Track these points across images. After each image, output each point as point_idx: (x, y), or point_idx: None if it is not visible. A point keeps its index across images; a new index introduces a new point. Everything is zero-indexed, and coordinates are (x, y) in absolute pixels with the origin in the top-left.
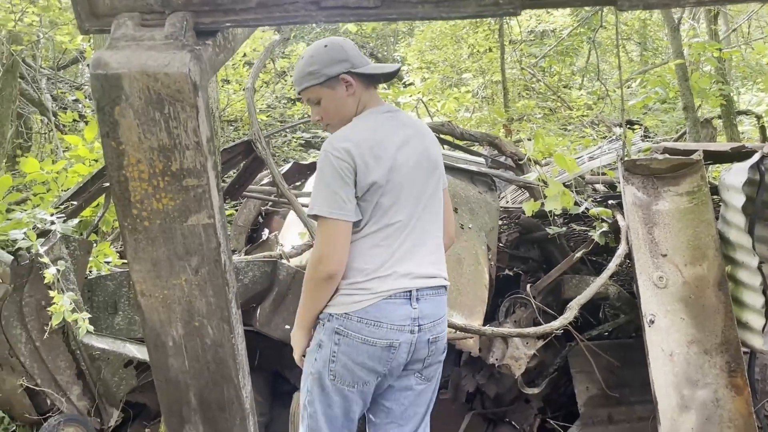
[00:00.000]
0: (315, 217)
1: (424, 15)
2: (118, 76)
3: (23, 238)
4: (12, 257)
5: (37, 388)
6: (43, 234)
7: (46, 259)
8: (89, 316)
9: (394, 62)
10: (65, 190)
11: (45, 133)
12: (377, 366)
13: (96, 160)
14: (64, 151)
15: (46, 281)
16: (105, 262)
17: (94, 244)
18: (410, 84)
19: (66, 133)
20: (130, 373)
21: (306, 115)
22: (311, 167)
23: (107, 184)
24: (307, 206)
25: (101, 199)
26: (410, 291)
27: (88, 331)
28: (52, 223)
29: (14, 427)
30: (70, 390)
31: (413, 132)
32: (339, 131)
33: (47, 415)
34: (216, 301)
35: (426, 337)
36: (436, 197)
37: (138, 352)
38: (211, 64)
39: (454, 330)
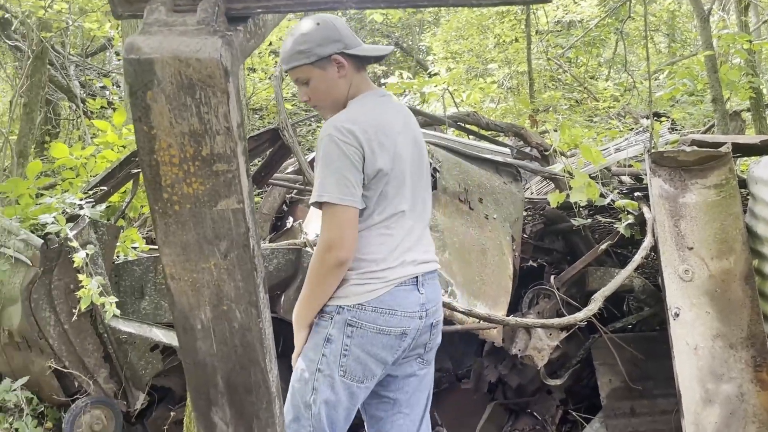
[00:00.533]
0: (319, 205)
1: (456, 2)
2: (151, 61)
3: (53, 223)
4: (42, 241)
5: (65, 370)
6: (72, 219)
7: (75, 243)
8: (117, 300)
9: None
10: (94, 176)
11: (73, 120)
12: (388, 356)
13: (124, 146)
14: (92, 137)
15: (74, 265)
16: (132, 247)
17: (122, 230)
18: (435, 74)
19: (94, 120)
20: (156, 357)
21: None
22: None
23: (135, 171)
24: None
25: (129, 185)
26: (417, 277)
27: (115, 315)
28: (81, 207)
29: (42, 408)
30: (98, 373)
31: (404, 116)
32: (340, 115)
33: (75, 396)
34: (244, 286)
35: (430, 321)
36: (427, 182)
37: (164, 336)
38: (242, 50)
39: (477, 320)
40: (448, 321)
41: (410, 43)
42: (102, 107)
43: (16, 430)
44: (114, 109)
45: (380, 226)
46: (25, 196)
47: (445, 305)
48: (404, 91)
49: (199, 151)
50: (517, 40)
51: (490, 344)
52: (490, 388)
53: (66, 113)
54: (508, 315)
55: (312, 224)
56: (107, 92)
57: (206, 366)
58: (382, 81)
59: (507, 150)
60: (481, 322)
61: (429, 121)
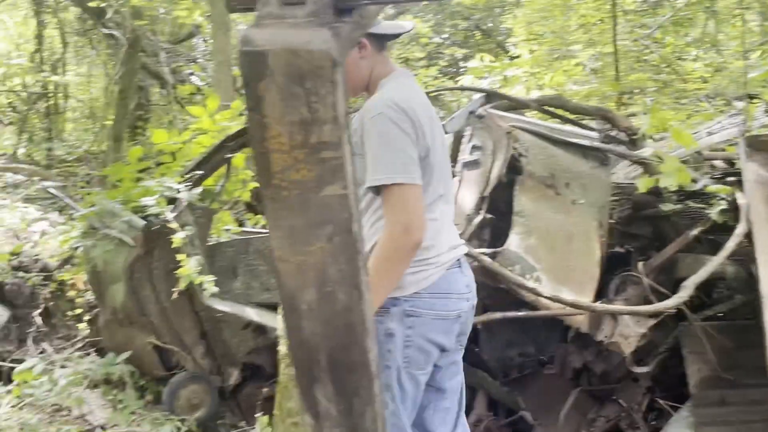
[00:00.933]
0: (376, 189)
1: None
2: (264, 53)
3: (154, 205)
4: (144, 223)
5: (165, 346)
6: (171, 202)
7: (174, 225)
8: (214, 278)
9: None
10: (189, 160)
11: (164, 105)
12: (446, 341)
13: (218, 132)
14: (182, 122)
15: (174, 246)
16: (225, 229)
17: (216, 212)
18: (516, 57)
19: (184, 105)
20: (248, 335)
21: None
22: None
23: (229, 155)
24: None
25: (223, 169)
26: (459, 260)
27: (211, 294)
28: (178, 191)
29: (143, 382)
30: (195, 349)
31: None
32: (384, 93)
33: (173, 371)
34: (347, 269)
35: (472, 303)
36: (450, 165)
37: (256, 315)
38: (349, 40)
39: (563, 306)
40: (532, 306)
41: (490, 24)
42: (191, 93)
43: (120, 401)
44: (203, 95)
45: (427, 211)
46: (127, 180)
47: (531, 290)
48: (485, 75)
49: (308, 139)
50: (602, 21)
51: (576, 330)
52: (575, 374)
53: (156, 99)
54: (594, 301)
55: None
56: (196, 78)
57: (310, 344)
58: (462, 65)
59: (594, 134)
60: (567, 308)
61: (513, 105)
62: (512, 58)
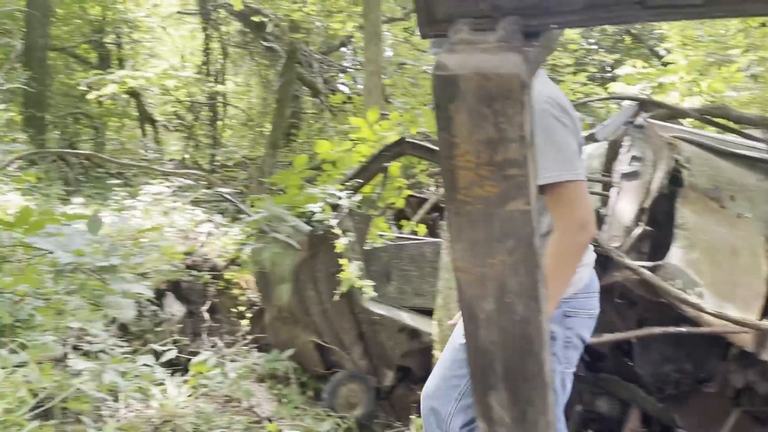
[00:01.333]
0: (542, 187)
1: (755, 11)
2: (455, 77)
3: (320, 211)
4: (309, 228)
5: (326, 345)
6: (332, 208)
7: (338, 231)
8: (373, 283)
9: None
10: (349, 168)
11: (316, 114)
12: (588, 337)
13: (376, 142)
14: (332, 130)
15: (337, 250)
16: (379, 235)
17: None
18: (669, 62)
19: (335, 114)
20: (403, 338)
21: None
22: None
23: (386, 164)
24: None
25: (380, 177)
26: None
27: (370, 298)
28: (340, 198)
29: (304, 378)
30: (353, 350)
31: None
32: (534, 90)
33: (332, 370)
34: (527, 281)
35: None
36: None
37: (410, 320)
38: (536, 63)
39: (727, 322)
40: (694, 323)
41: (640, 28)
42: (343, 102)
43: (284, 395)
44: (352, 103)
45: None
46: (292, 187)
47: (693, 306)
48: (637, 82)
49: (494, 157)
50: (764, 25)
51: (739, 349)
52: (736, 394)
53: (309, 107)
54: (760, 319)
55: None
56: (346, 87)
57: (487, 352)
58: (611, 70)
59: (761, 145)
60: (731, 325)
61: (672, 114)
62: (664, 63)
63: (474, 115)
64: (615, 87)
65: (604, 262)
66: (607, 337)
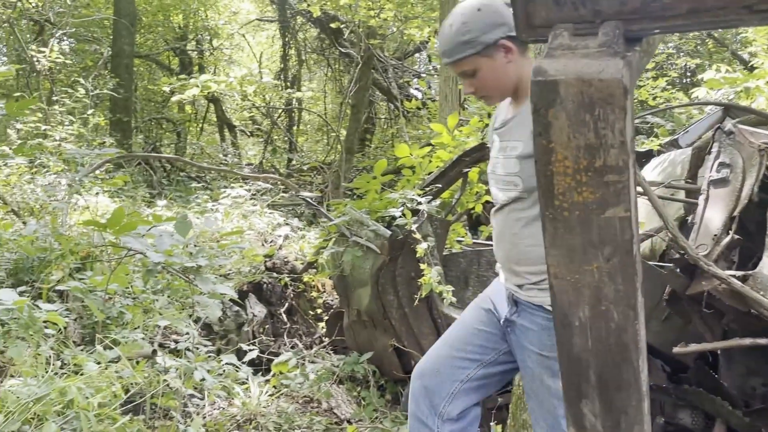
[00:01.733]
0: None
1: None
2: (555, 83)
3: (400, 216)
4: (390, 232)
5: (405, 349)
6: (411, 213)
7: (418, 236)
8: (452, 288)
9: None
10: (428, 174)
11: (390, 119)
12: None
13: (455, 147)
14: (407, 135)
15: (417, 255)
16: (457, 240)
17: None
18: (756, 68)
19: (410, 120)
20: None
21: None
22: (646, 155)
23: (466, 170)
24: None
25: (458, 183)
26: None
27: (450, 303)
28: (419, 203)
29: (382, 381)
30: None
31: None
32: None
33: (410, 373)
34: (624, 289)
35: None
36: None
37: None
38: (638, 68)
39: None
40: None
41: (722, 32)
42: (417, 107)
43: (363, 398)
44: (428, 109)
45: None
46: (371, 191)
47: None
48: (721, 86)
49: (593, 163)
50: None
51: None
52: None
53: (383, 113)
54: None
55: None
56: (421, 93)
57: (580, 360)
58: (690, 75)
59: None
60: None
61: (760, 119)
62: (750, 68)
63: (573, 120)
64: (698, 92)
65: (692, 271)
66: (694, 347)
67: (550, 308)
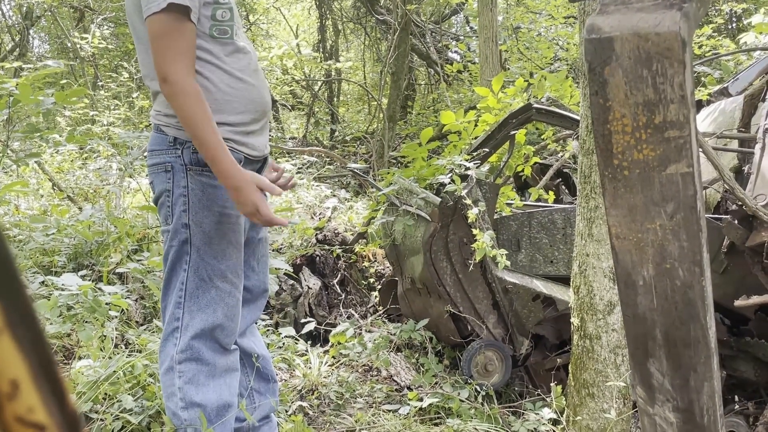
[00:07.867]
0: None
1: None
2: (610, 39)
3: (450, 182)
4: (440, 199)
5: (460, 314)
6: (461, 178)
7: (468, 201)
8: (506, 252)
9: None
10: (474, 138)
11: (431, 84)
12: None
13: (501, 110)
14: (449, 99)
15: (468, 220)
16: (507, 203)
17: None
18: None
19: (450, 84)
20: (537, 306)
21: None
22: (695, 105)
23: (513, 132)
24: None
25: (506, 145)
26: None
27: (504, 266)
28: (467, 168)
29: (439, 347)
30: (487, 318)
31: None
32: None
33: (468, 339)
34: (689, 246)
35: None
36: None
37: (544, 287)
38: (695, 18)
39: None
40: None
41: None
42: (458, 71)
43: (422, 364)
44: (469, 72)
45: None
46: (419, 159)
47: None
48: None
49: (652, 120)
50: None
51: None
52: None
53: (423, 78)
54: None
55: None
56: (460, 56)
57: (645, 320)
58: (736, 20)
59: None
60: None
61: None
62: None
63: (631, 77)
64: (746, 37)
65: (750, 222)
66: (756, 299)
67: None
